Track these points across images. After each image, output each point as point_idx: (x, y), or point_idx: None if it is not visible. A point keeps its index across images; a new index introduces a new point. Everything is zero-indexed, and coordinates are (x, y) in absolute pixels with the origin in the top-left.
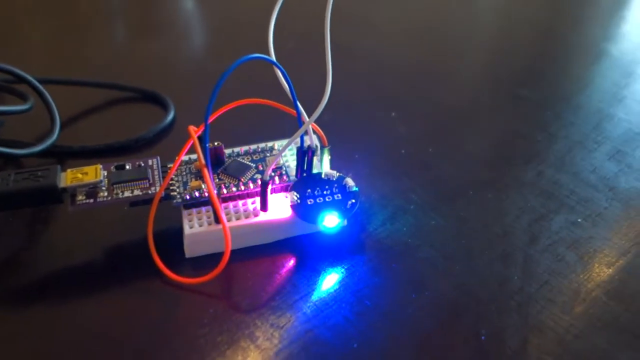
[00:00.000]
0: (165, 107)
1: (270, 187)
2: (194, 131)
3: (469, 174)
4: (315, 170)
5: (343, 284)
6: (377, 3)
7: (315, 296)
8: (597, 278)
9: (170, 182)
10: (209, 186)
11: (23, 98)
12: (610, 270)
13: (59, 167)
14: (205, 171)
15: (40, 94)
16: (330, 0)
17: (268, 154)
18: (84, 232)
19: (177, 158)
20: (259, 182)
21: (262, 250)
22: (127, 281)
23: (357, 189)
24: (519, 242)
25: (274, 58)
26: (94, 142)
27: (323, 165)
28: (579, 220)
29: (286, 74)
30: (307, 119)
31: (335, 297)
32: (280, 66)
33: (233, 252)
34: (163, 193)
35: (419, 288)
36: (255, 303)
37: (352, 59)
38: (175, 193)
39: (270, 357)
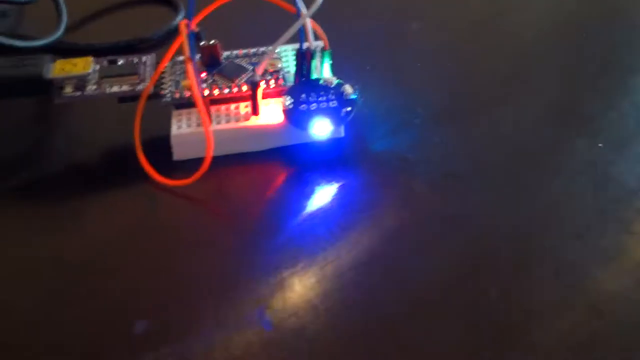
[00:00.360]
0: (175, 9)
1: (261, 88)
2: (185, 26)
3: (488, 89)
4: (315, 76)
5: (332, 197)
6: None
7: (300, 207)
8: None
9: (163, 80)
10: (192, 82)
11: None
12: None
13: (48, 56)
14: (190, 66)
15: None
16: None
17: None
18: (71, 125)
19: (167, 52)
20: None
21: (253, 157)
22: (110, 178)
23: (355, 96)
24: (531, 168)
25: None
26: (103, 41)
27: (323, 70)
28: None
29: None
30: (305, 12)
31: (322, 210)
32: None
33: (222, 157)
34: (152, 90)
35: (411, 205)
36: (236, 210)
37: None
38: (166, 91)
39: (241, 261)
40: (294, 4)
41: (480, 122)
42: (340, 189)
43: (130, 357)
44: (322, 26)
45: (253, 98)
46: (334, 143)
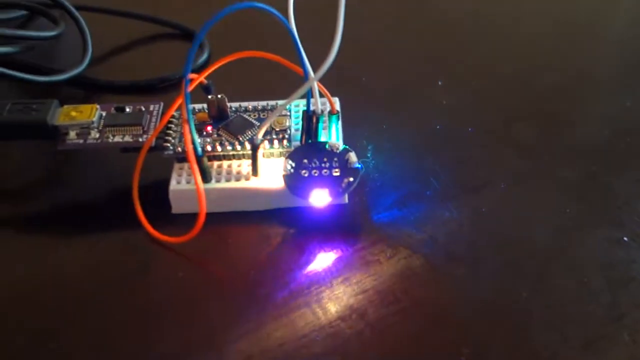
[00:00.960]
0: (201, 48)
1: (261, 150)
2: (193, 79)
3: (507, 162)
4: (322, 139)
5: (324, 269)
6: None
7: (290, 276)
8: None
9: (169, 131)
10: (186, 143)
11: (56, 23)
12: None
13: (56, 102)
14: (186, 126)
15: (75, 20)
16: None
17: (277, 115)
18: (73, 171)
19: (169, 109)
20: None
21: (252, 217)
22: (105, 227)
23: (359, 166)
24: (539, 252)
25: (291, 9)
26: (125, 77)
27: (331, 133)
28: (625, 239)
29: (287, 23)
30: (313, 75)
31: (312, 282)
32: (279, 14)
33: (220, 214)
34: (154, 142)
35: (408, 291)
36: (226, 272)
37: (404, 8)
38: (169, 144)
39: (226, 327)
40: (302, 66)
41: (494, 200)
42: (336, 261)
43: None
44: (341, 78)
45: (253, 159)
46: (336, 209)
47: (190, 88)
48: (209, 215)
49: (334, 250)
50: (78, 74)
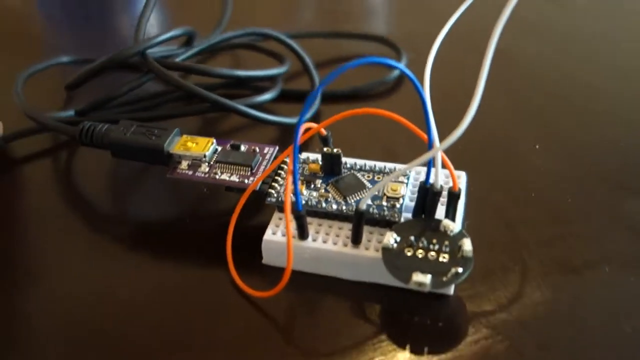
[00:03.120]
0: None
1: (364, 218)
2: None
3: (613, 241)
4: (440, 216)
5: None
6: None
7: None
8: None
9: (276, 179)
10: (286, 193)
11: (278, 59)
12: None
13: (176, 130)
14: (289, 178)
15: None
16: (509, 8)
17: (393, 179)
18: (177, 200)
19: (280, 156)
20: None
21: (347, 286)
22: (193, 262)
23: (471, 256)
24: None
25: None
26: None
27: (450, 212)
28: None
29: (419, 87)
30: (438, 145)
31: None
32: (411, 75)
33: (315, 276)
34: (258, 187)
35: None
36: (296, 339)
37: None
38: (273, 191)
39: None
40: (428, 132)
41: (595, 286)
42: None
43: None
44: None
45: (354, 225)
46: (439, 300)
47: (303, 138)
48: (300, 274)
49: (424, 350)
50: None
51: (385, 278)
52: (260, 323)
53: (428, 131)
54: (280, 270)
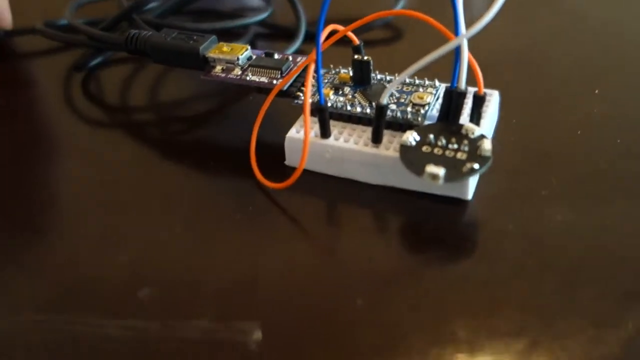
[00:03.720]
0: None
1: (384, 113)
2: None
3: None
4: (464, 121)
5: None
6: None
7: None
8: None
9: (303, 84)
10: (306, 86)
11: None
12: None
13: (214, 37)
14: (310, 69)
15: None
16: None
17: (421, 90)
18: (207, 103)
19: (309, 57)
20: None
21: (363, 190)
22: (219, 159)
23: (489, 155)
24: None
25: None
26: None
27: (474, 117)
28: None
29: None
30: (464, 30)
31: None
32: None
33: (337, 179)
34: (286, 87)
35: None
36: (309, 237)
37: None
38: (301, 93)
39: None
40: (455, 23)
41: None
42: (430, 268)
43: None
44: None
45: (375, 123)
46: (456, 205)
47: (332, 39)
48: (323, 177)
49: (434, 256)
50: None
51: (405, 182)
52: (277, 215)
53: (455, 20)
54: (305, 171)
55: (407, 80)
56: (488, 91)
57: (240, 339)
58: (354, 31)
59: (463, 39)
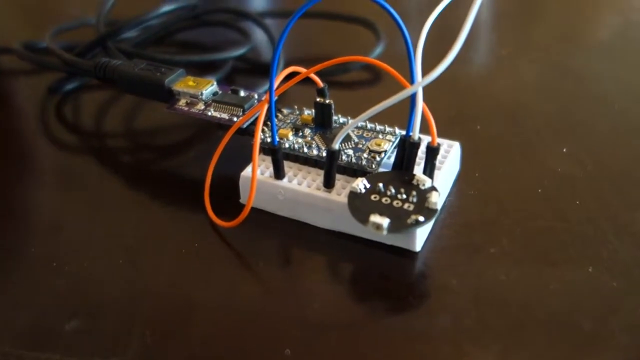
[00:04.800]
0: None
1: (335, 158)
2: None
3: (608, 250)
4: (420, 172)
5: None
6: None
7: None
8: None
9: (267, 123)
10: (258, 124)
11: (244, 35)
12: None
13: (182, 71)
14: (263, 108)
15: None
16: None
17: (380, 136)
18: (176, 135)
19: (265, 97)
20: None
21: (316, 234)
22: (178, 192)
23: (436, 208)
24: None
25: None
26: None
27: (427, 168)
28: None
29: (399, 21)
30: (420, 79)
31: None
32: (390, 9)
33: (291, 222)
34: (245, 125)
35: None
36: (253, 274)
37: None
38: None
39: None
40: (410, 70)
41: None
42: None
43: None
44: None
45: (326, 167)
46: (404, 256)
47: (291, 82)
48: (277, 217)
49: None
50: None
51: (354, 228)
52: (222, 253)
53: (410, 68)
54: (258, 211)
55: (369, 126)
56: (448, 142)
57: None
58: (333, 73)
59: (418, 87)
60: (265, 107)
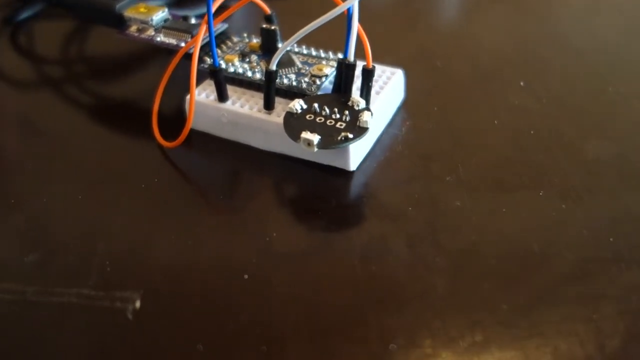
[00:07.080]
0: None
1: (273, 79)
2: None
3: (560, 176)
4: (357, 94)
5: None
6: None
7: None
8: None
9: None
10: (195, 46)
11: None
12: None
13: None
14: (201, 30)
15: None
16: None
17: (324, 63)
18: (118, 58)
19: (203, 19)
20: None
21: (256, 155)
22: (120, 117)
23: (367, 126)
24: None
25: None
26: None
27: (364, 90)
28: None
29: None
30: None
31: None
32: None
33: (236, 144)
34: (190, 50)
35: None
36: (195, 194)
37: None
38: (208, 58)
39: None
40: None
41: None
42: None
43: None
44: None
45: (265, 89)
46: (337, 174)
47: (233, 7)
48: (223, 140)
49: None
50: None
51: (291, 149)
52: (167, 175)
53: None
54: (205, 135)
55: (313, 53)
56: (391, 69)
57: (118, 307)
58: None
59: (352, 3)
60: (204, 29)
